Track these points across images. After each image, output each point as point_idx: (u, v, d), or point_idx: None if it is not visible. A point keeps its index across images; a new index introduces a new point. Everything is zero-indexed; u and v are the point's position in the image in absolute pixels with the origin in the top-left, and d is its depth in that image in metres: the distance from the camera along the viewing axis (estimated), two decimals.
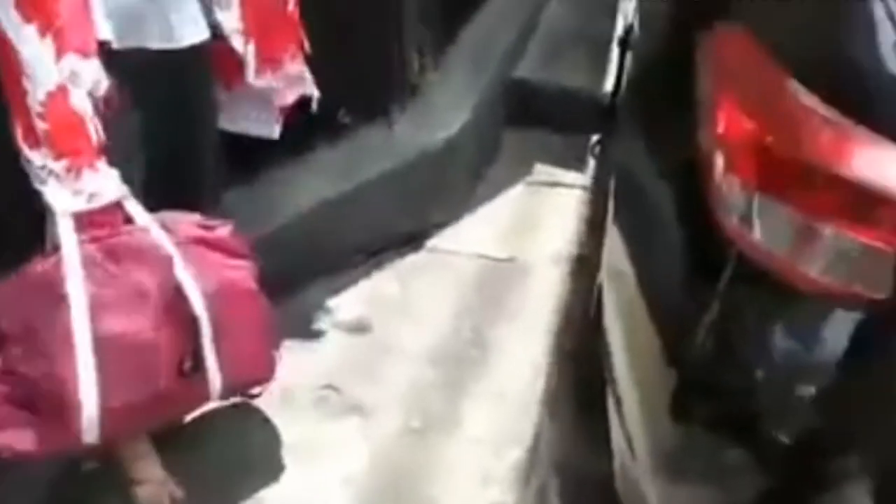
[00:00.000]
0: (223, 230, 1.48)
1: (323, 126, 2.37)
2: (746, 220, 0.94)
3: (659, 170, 1.29)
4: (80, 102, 1.23)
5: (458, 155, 2.54)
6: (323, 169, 2.28)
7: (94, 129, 1.26)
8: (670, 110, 1.35)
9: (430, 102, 2.62)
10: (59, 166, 1.25)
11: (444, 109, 2.60)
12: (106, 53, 1.28)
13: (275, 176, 2.23)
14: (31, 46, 1.18)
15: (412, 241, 2.41)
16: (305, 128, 2.31)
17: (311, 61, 2.22)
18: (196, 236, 1.43)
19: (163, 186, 1.53)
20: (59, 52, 1.20)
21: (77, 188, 1.27)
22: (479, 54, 2.99)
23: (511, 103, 3.12)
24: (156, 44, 1.37)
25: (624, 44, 3.35)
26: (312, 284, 2.19)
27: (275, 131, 1.74)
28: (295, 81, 1.69)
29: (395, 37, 2.46)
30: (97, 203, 1.29)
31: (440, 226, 2.49)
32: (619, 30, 3.64)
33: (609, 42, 3.62)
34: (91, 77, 1.24)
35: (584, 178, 2.83)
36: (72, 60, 1.21)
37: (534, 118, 3.08)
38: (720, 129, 1.01)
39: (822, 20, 1.08)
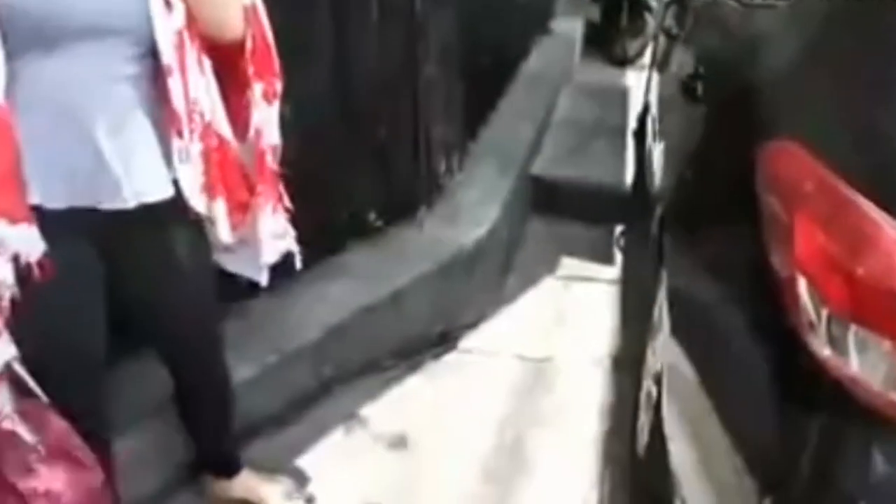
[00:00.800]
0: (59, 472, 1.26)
1: (354, 228, 2.39)
2: (842, 351, 0.91)
3: (723, 286, 1.27)
4: None
5: (487, 252, 2.54)
6: (355, 272, 2.27)
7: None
8: (726, 224, 1.34)
9: (457, 201, 2.65)
10: None
11: (472, 208, 2.62)
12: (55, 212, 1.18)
13: (306, 278, 2.21)
14: None
15: (445, 342, 2.38)
16: (337, 229, 2.33)
17: (341, 166, 2.28)
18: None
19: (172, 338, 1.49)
20: None
21: None
22: (500, 151, 3.04)
23: (534, 198, 3.15)
24: (108, 205, 1.23)
25: (639, 135, 3.43)
26: (344, 392, 2.14)
27: (263, 277, 1.54)
28: (275, 238, 1.50)
29: (421, 139, 2.50)
30: None
31: (472, 325, 2.46)
32: (632, 121, 3.74)
33: (623, 133, 3.71)
34: (17, 243, 1.12)
35: (612, 270, 2.82)
36: None
37: (556, 211, 3.11)
38: (800, 253, 1.00)
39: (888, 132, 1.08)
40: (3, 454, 1.22)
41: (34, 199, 1.15)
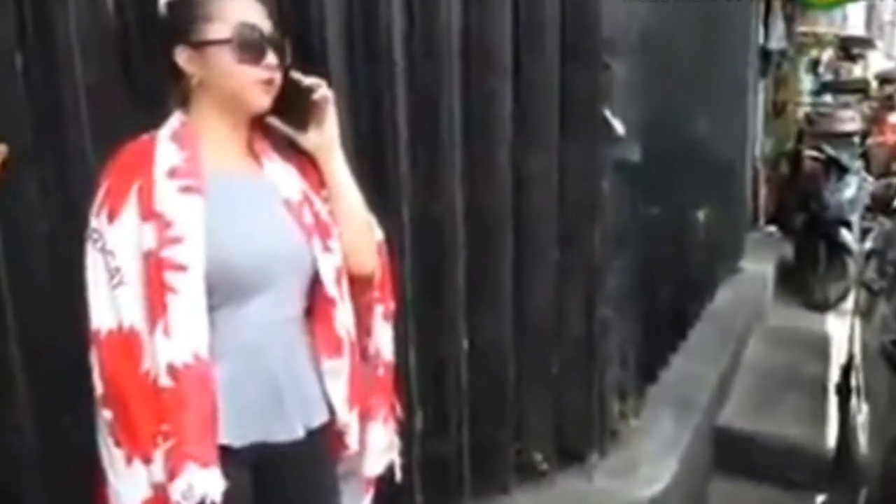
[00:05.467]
0: None
1: (520, 469, 2.29)
2: None
3: None
4: None
5: None
6: None
7: None
8: None
9: (631, 451, 2.48)
10: None
11: (647, 460, 2.43)
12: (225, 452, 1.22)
13: None
14: (118, 471, 1.16)
15: None
16: (503, 468, 2.25)
17: (513, 403, 2.25)
18: None
19: None
20: (175, 469, 1.14)
21: None
22: (681, 398, 2.86)
23: (718, 453, 2.88)
24: (282, 437, 1.29)
25: (843, 391, 3.09)
26: None
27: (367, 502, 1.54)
28: (382, 450, 1.51)
29: (595, 381, 2.42)
30: None
31: None
32: (834, 374, 3.40)
33: (823, 386, 3.36)
34: (205, 487, 1.16)
35: None
36: (190, 472, 1.15)
37: (745, 471, 2.80)
38: None
39: None
40: None
41: (220, 439, 1.20)
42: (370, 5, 1.79)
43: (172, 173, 1.17)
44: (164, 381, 1.14)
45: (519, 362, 2.24)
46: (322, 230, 1.30)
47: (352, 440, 1.40)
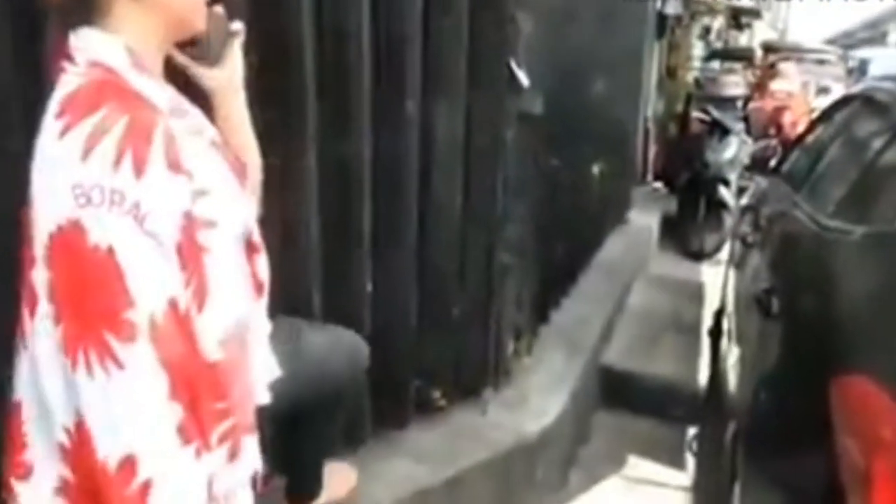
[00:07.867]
0: None
1: (419, 406, 2.40)
2: None
3: None
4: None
5: (551, 444, 2.48)
6: (415, 452, 2.25)
7: None
8: (803, 452, 1.29)
9: (523, 387, 2.63)
10: None
11: (537, 395, 2.59)
12: None
13: (367, 452, 2.20)
14: (183, 475, 0.95)
15: None
16: (403, 405, 2.35)
17: (413, 343, 2.34)
18: None
19: None
20: (236, 448, 1.06)
21: None
22: (570, 339, 3.05)
23: (602, 389, 3.10)
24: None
25: (714, 334, 3.39)
26: None
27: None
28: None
29: (492, 323, 2.54)
30: None
31: None
32: (708, 318, 3.71)
33: (698, 329, 3.67)
34: (256, 457, 1.12)
35: (682, 476, 2.68)
36: (247, 448, 1.09)
37: (625, 405, 3.04)
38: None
39: None
40: None
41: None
42: None
43: (173, 112, 0.98)
44: (217, 354, 1.00)
45: (421, 304, 2.32)
46: (244, 172, 1.18)
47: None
